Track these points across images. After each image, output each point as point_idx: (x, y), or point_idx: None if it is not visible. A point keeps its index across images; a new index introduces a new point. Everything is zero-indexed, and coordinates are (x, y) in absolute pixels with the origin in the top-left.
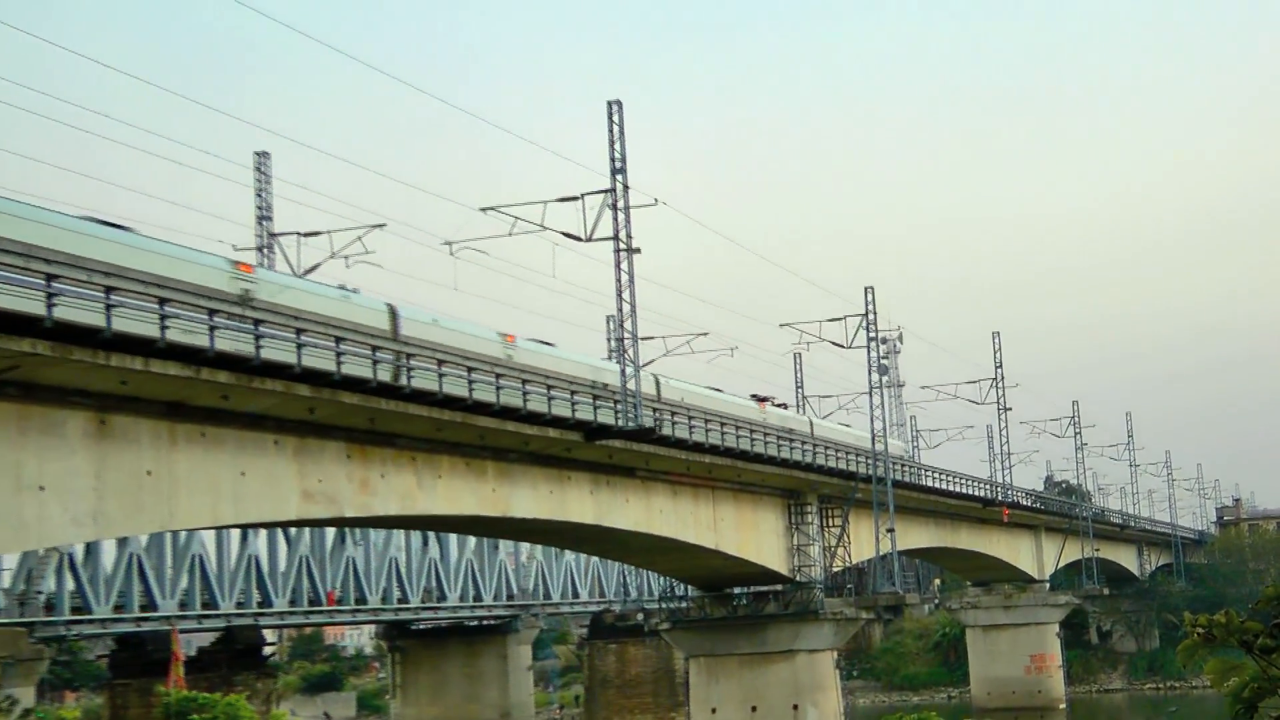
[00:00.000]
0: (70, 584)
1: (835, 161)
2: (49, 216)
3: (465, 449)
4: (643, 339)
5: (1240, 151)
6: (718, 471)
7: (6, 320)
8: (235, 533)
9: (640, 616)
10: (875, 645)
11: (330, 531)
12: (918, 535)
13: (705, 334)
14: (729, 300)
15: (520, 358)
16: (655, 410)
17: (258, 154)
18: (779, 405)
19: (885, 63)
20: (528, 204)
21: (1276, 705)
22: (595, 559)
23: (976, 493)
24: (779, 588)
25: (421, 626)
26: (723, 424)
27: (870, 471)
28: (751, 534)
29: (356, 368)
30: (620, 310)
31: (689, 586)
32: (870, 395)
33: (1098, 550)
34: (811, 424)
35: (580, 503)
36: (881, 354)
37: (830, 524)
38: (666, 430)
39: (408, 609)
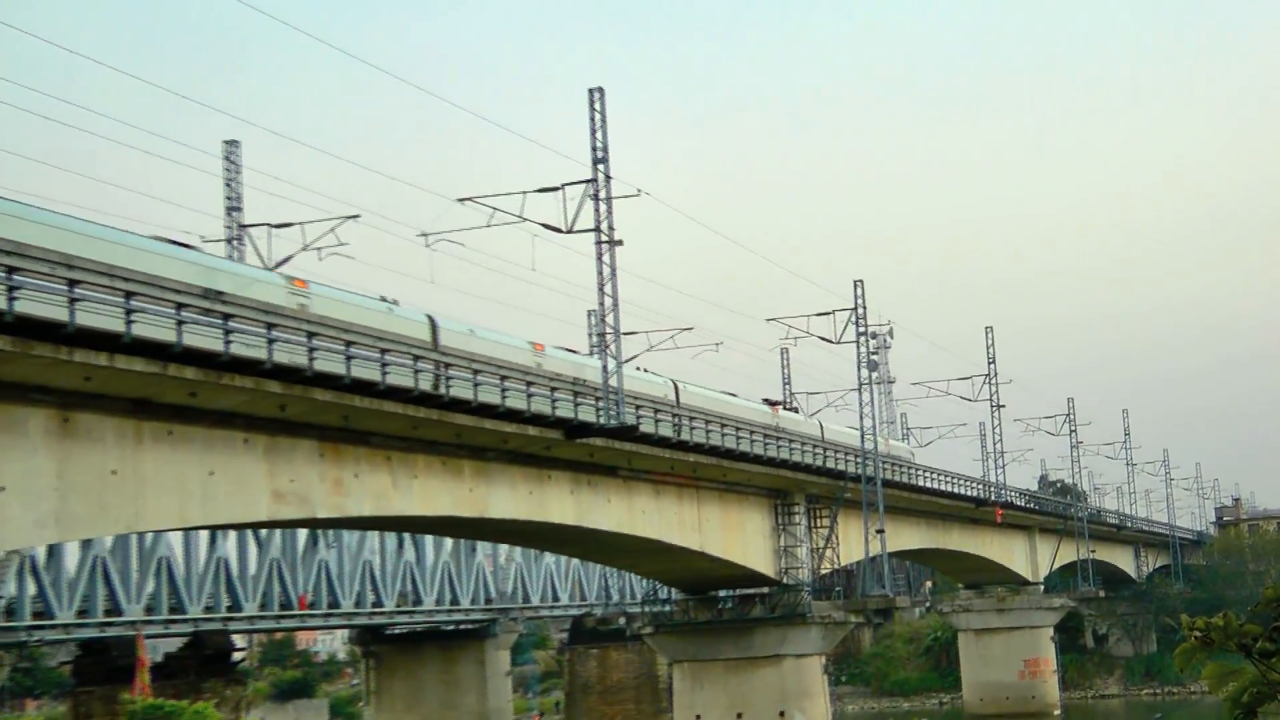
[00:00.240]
0: (32, 588)
1: (824, 153)
2: (124, 238)
3: (442, 447)
4: (625, 334)
5: (1238, 151)
6: (702, 470)
7: None
8: (203, 534)
9: (622, 620)
10: (865, 650)
11: (302, 533)
12: (908, 536)
13: (690, 329)
14: (714, 294)
15: (549, 366)
16: (638, 408)
17: (227, 143)
18: (790, 409)
19: (878, 55)
20: (506, 194)
21: (1276, 710)
22: (576, 561)
23: (969, 492)
24: (765, 590)
25: (396, 631)
26: (707, 422)
27: (859, 470)
28: (737, 535)
29: (330, 364)
30: (602, 304)
31: (672, 589)
32: (860, 392)
33: (1093, 552)
34: (822, 428)
35: (560, 503)
36: (871, 349)
37: (818, 525)
38: (648, 428)
39: (382, 613)
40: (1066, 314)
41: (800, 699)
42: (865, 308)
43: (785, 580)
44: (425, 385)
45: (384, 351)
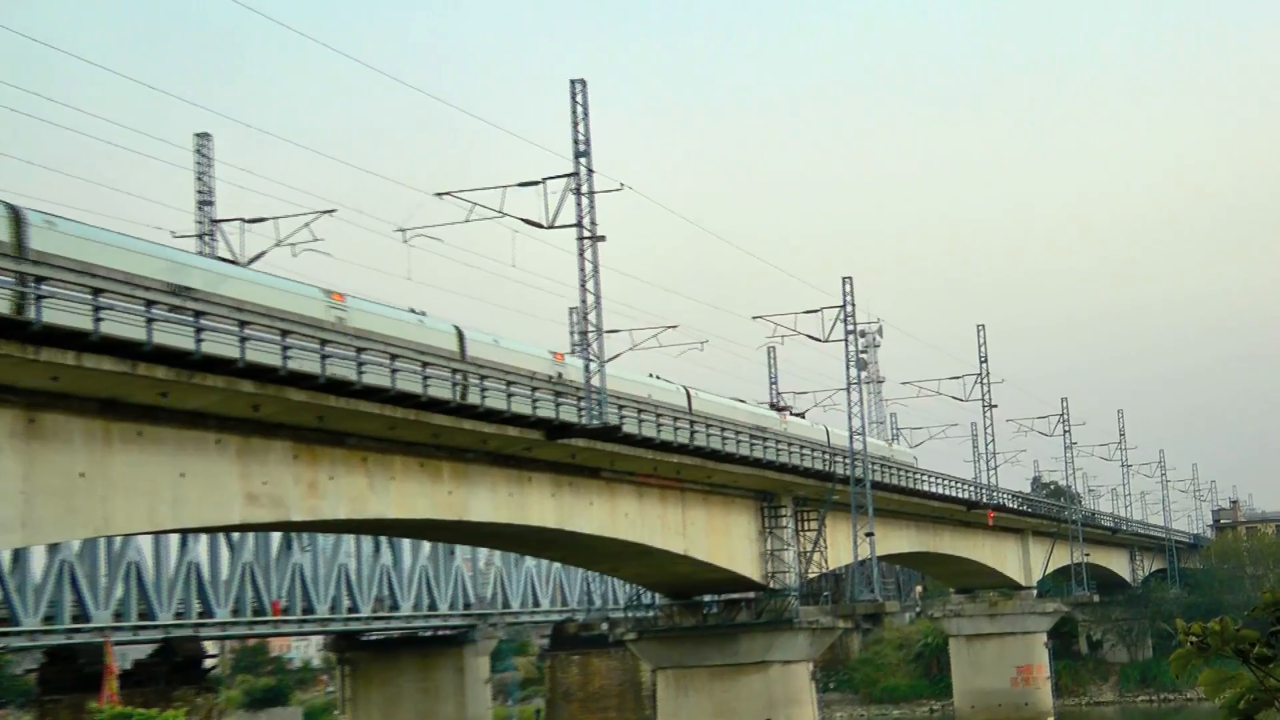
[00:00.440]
0: None
1: (813, 148)
2: (183, 257)
3: (420, 449)
4: (608, 332)
5: (1236, 150)
6: (686, 472)
7: None
8: (174, 538)
9: (604, 626)
10: (853, 656)
11: (276, 537)
12: (898, 539)
13: (674, 327)
14: (699, 291)
15: (569, 375)
16: (620, 408)
17: (198, 135)
18: (797, 415)
19: (867, 51)
20: (486, 189)
21: (1273, 717)
22: (557, 565)
23: (960, 494)
24: (751, 595)
25: (373, 637)
26: (692, 422)
27: (848, 472)
28: (722, 538)
29: (303, 363)
30: (584, 301)
31: (656, 594)
32: (848, 391)
33: (1088, 555)
34: (828, 433)
35: (541, 505)
36: (860, 348)
37: (806, 528)
38: (631, 428)
39: (358, 619)
40: (1060, 312)
41: (787, 706)
42: (854, 305)
43: (772, 585)
44: (403, 385)
45: (359, 350)
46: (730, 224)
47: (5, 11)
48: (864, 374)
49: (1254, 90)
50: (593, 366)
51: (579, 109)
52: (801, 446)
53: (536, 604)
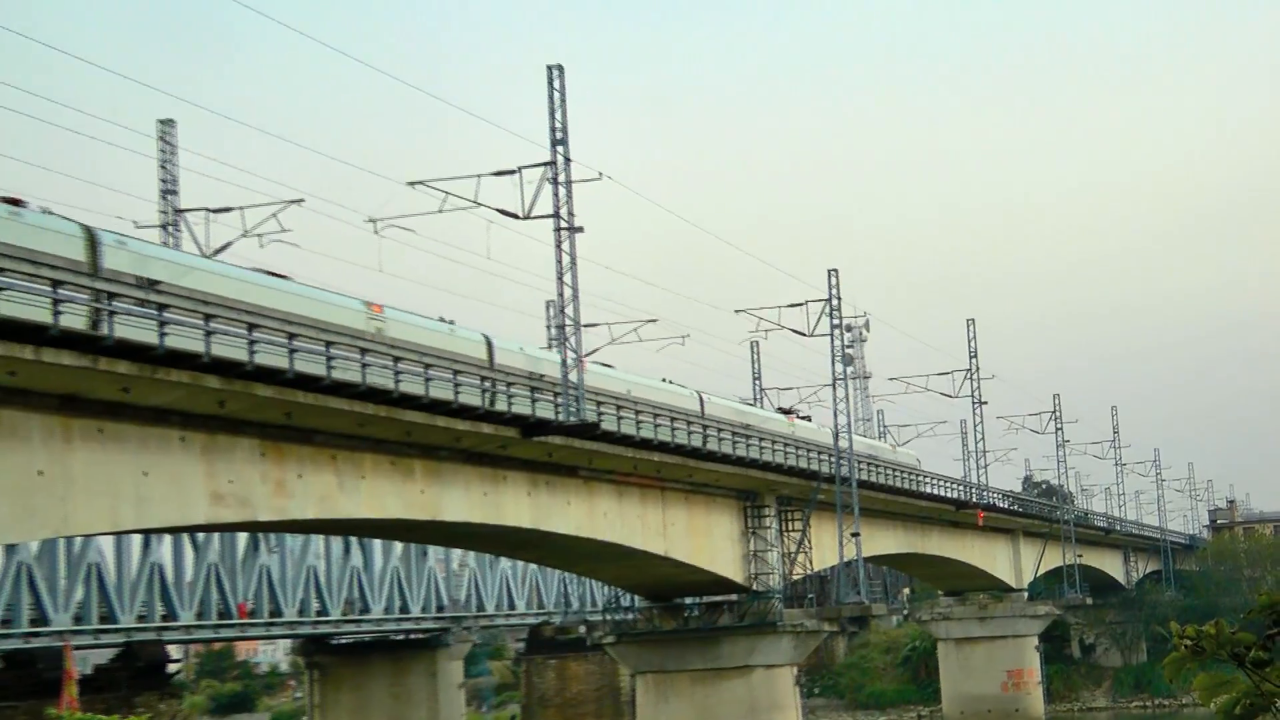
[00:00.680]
0: None
1: (798, 138)
2: (231, 270)
3: (391, 446)
4: (586, 326)
5: (1232, 145)
6: (667, 471)
7: None
8: (136, 539)
9: (582, 629)
10: (839, 660)
11: (242, 537)
12: (885, 540)
13: (654, 320)
14: (680, 284)
15: (591, 381)
16: (599, 404)
17: (161, 122)
18: (804, 419)
19: (857, 37)
20: (459, 178)
21: None
22: (533, 567)
23: (949, 494)
24: (734, 598)
25: (342, 641)
26: (672, 419)
27: (833, 470)
28: (704, 539)
29: (272, 358)
30: (561, 294)
31: (635, 596)
32: (834, 387)
33: (1080, 557)
34: (851, 444)
35: (517, 505)
36: (846, 343)
37: (790, 528)
38: (610, 425)
39: (327, 622)
40: (1053, 306)
41: (770, 712)
42: (840, 299)
43: (755, 587)
44: (374, 380)
45: (329, 344)
46: (712, 215)
47: None
48: (850, 369)
49: (1253, 85)
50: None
51: (556, 96)
52: (785, 444)
53: (512, 607)
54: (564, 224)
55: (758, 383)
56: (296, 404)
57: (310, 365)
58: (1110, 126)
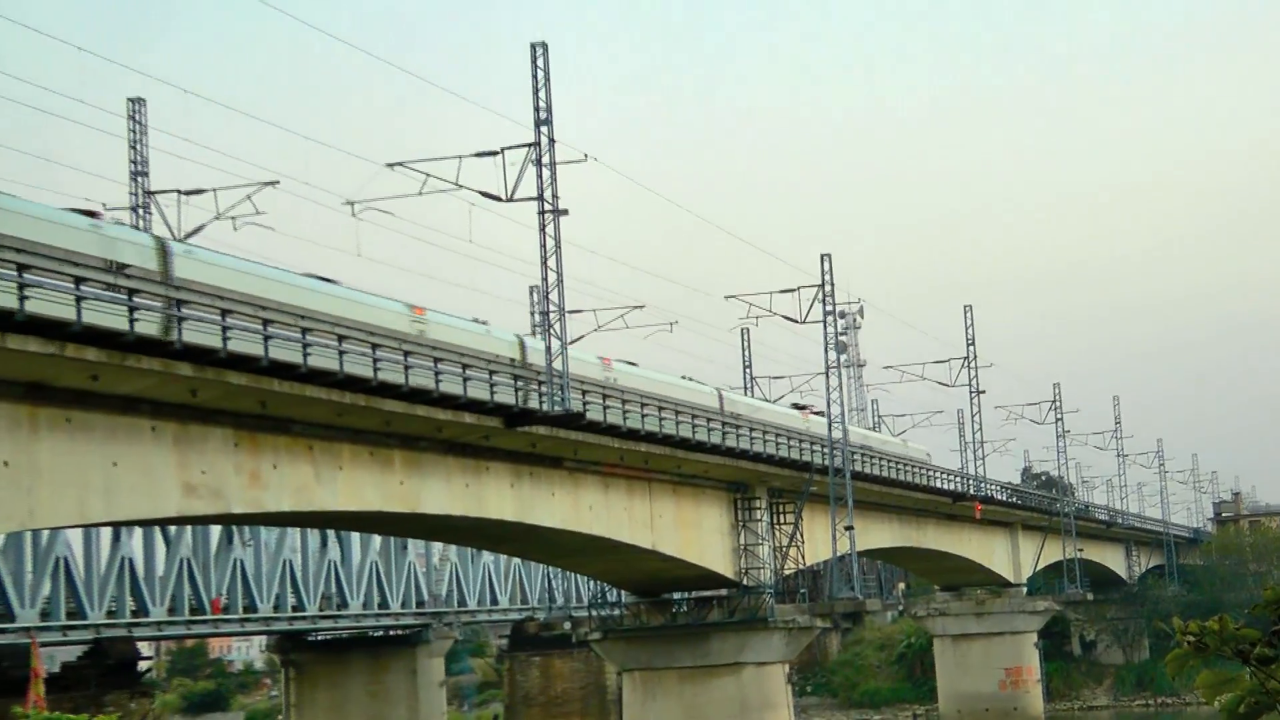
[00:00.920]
0: None
1: (790, 119)
2: (283, 275)
3: (369, 436)
4: (571, 312)
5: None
6: (654, 462)
7: None
8: (106, 532)
9: (567, 625)
10: (832, 657)
11: (215, 530)
12: (880, 534)
13: (641, 307)
14: (668, 269)
15: (618, 380)
16: (585, 393)
17: (131, 100)
18: (818, 414)
19: (852, 17)
20: (440, 159)
21: None
22: (517, 561)
23: (946, 486)
24: (724, 593)
25: (319, 638)
26: (660, 408)
27: (826, 461)
28: (693, 532)
29: (246, 345)
30: (545, 279)
31: (622, 592)
32: (827, 376)
33: (1081, 550)
34: (846, 432)
35: (500, 497)
36: (840, 330)
37: (782, 521)
38: (596, 415)
39: (303, 618)
40: (1053, 293)
41: (761, 711)
42: (833, 284)
43: (745, 582)
44: (352, 368)
45: (305, 331)
46: (701, 198)
47: None
48: (844, 357)
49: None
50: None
51: (540, 74)
52: (777, 434)
53: (494, 602)
54: (548, 207)
55: (748, 371)
56: (271, 393)
57: (286, 353)
58: (1113, 107)
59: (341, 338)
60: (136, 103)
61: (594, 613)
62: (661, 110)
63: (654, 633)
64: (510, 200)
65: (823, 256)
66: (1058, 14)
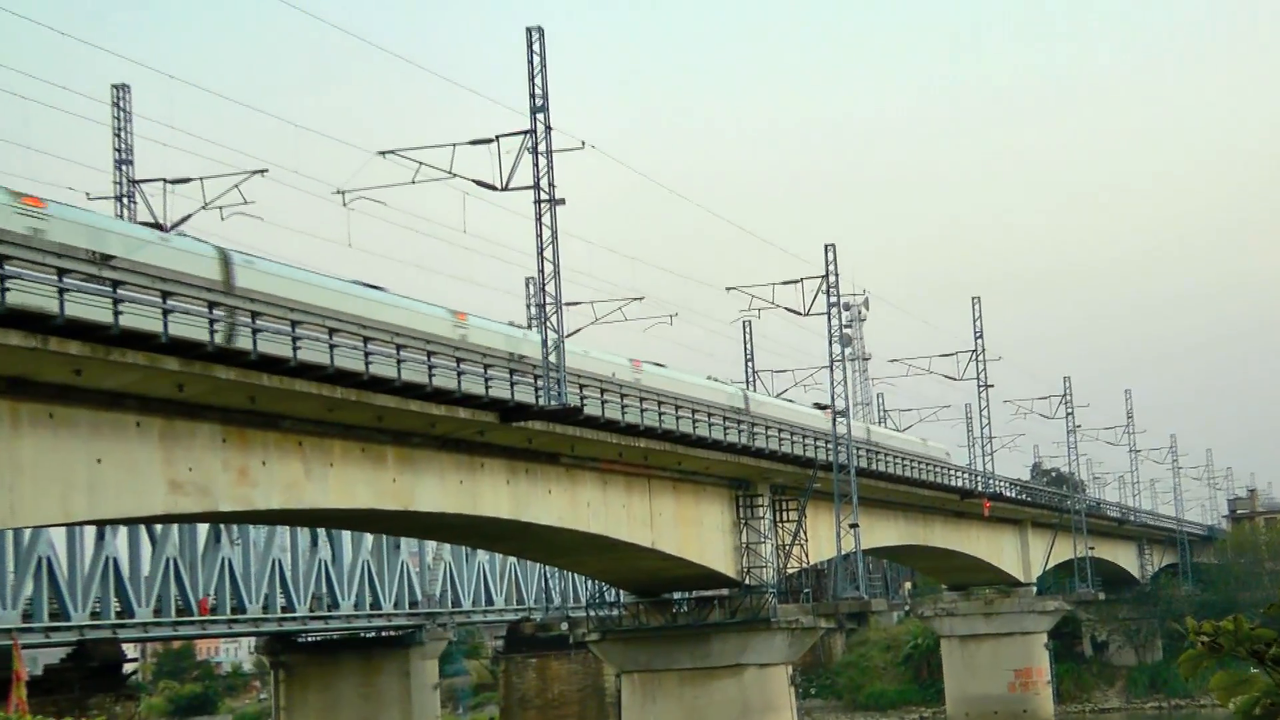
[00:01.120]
0: None
1: (793, 105)
2: (328, 282)
3: (361, 432)
4: (568, 304)
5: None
6: (654, 458)
7: None
8: (90, 531)
9: (564, 626)
10: (836, 659)
11: (202, 529)
12: (885, 532)
13: (640, 298)
14: (668, 260)
15: (645, 381)
16: (582, 387)
17: (116, 87)
18: (839, 413)
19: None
20: (433, 147)
21: None
22: (512, 560)
23: (953, 482)
24: (725, 593)
25: (309, 639)
26: (660, 403)
27: (830, 458)
28: (693, 530)
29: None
30: (541, 271)
31: (621, 591)
32: (831, 370)
33: (1092, 549)
34: (869, 432)
35: (495, 494)
36: (844, 322)
37: (785, 519)
38: (594, 410)
39: (293, 619)
40: (1063, 284)
41: (764, 713)
42: (837, 275)
43: (747, 581)
44: (343, 363)
45: (294, 324)
46: (701, 187)
47: None
48: (848, 350)
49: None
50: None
51: (536, 60)
52: (780, 430)
53: (490, 602)
54: (544, 196)
55: (750, 364)
56: (260, 387)
57: (275, 347)
58: (1121, 88)
59: (332, 330)
60: (121, 89)
61: (592, 613)
62: (661, 97)
63: (653, 634)
64: (505, 189)
65: (827, 247)
66: (1065, 10)
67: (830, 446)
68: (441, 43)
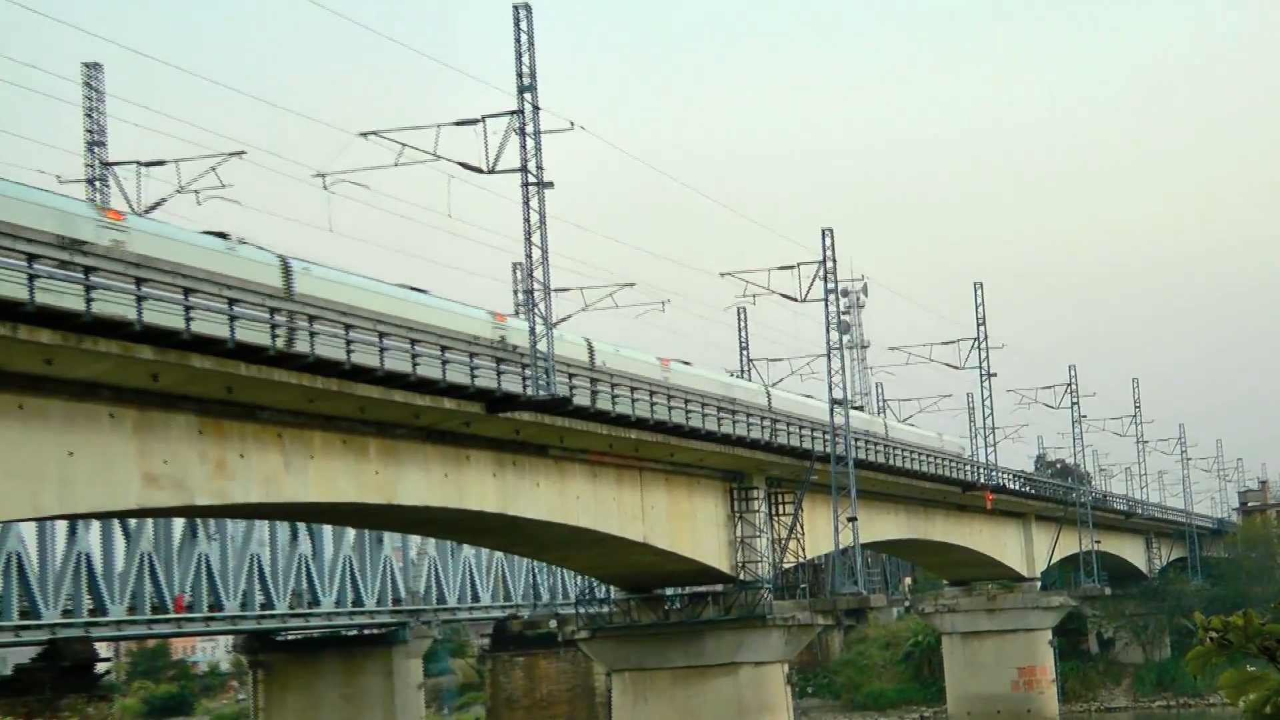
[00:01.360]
0: None
1: (788, 85)
2: (377, 286)
3: (343, 423)
4: (556, 291)
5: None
6: (645, 450)
7: None
8: (61, 526)
9: (553, 624)
10: (834, 657)
11: (178, 523)
12: (885, 525)
13: (632, 285)
14: (660, 245)
15: (674, 379)
16: (571, 376)
17: (87, 66)
18: (856, 408)
19: None
20: (418, 128)
21: None
22: (499, 555)
23: (955, 474)
24: (719, 589)
25: (289, 637)
26: (652, 393)
27: (828, 448)
28: (686, 524)
29: (210, 326)
30: (529, 256)
31: (611, 587)
32: (829, 358)
33: (1098, 543)
34: (886, 428)
35: (481, 487)
36: (842, 309)
37: (781, 512)
38: (584, 400)
39: (272, 616)
40: (1067, 269)
41: (759, 713)
42: (835, 261)
43: (742, 576)
44: (324, 351)
45: (273, 311)
46: (695, 169)
47: None
48: (846, 338)
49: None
50: (539, 329)
51: (523, 38)
52: (775, 420)
53: (476, 599)
54: (532, 179)
55: (745, 352)
56: (238, 377)
57: (253, 334)
58: (1129, 80)
59: (313, 318)
60: (93, 68)
61: (581, 610)
62: (652, 78)
63: (645, 631)
64: (492, 172)
65: (824, 231)
66: None
67: (828, 437)
68: (426, 20)
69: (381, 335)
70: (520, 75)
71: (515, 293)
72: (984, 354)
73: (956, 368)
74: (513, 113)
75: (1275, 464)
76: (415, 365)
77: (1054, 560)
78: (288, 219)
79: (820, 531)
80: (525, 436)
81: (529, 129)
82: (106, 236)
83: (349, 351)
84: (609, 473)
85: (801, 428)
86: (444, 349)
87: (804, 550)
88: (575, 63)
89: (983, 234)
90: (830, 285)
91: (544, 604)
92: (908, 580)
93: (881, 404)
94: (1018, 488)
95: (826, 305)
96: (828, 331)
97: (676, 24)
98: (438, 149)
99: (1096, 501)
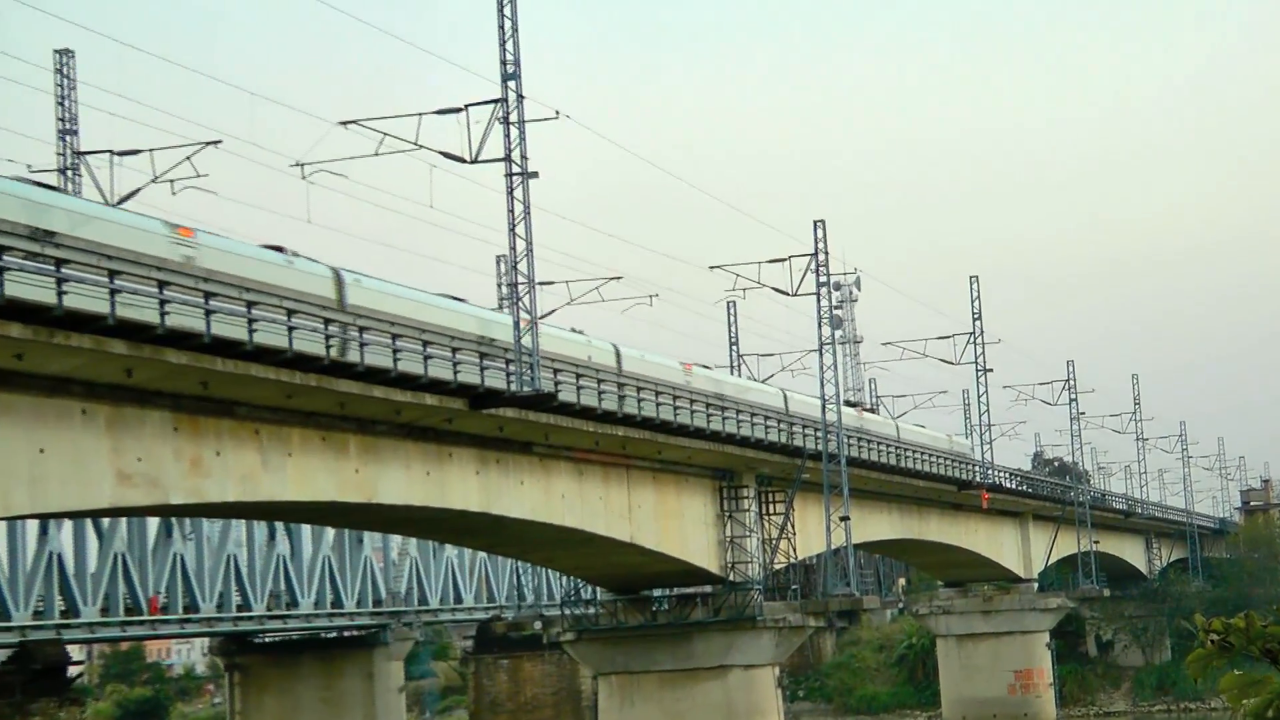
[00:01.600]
0: None
1: (780, 74)
2: (421, 296)
3: (322, 419)
4: (541, 284)
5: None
6: (633, 447)
7: None
8: (32, 525)
9: (537, 625)
10: (826, 660)
11: (153, 523)
12: (878, 525)
13: (619, 278)
14: (648, 237)
15: (695, 383)
16: (557, 372)
17: (59, 52)
18: (870, 410)
19: None
20: (399, 117)
21: None
22: (483, 555)
23: (950, 473)
24: (708, 590)
25: (267, 640)
26: (639, 389)
27: (819, 446)
28: (675, 524)
29: (187, 319)
30: (513, 248)
31: (597, 589)
32: (820, 353)
33: (1097, 543)
34: (898, 429)
35: (464, 485)
36: (835, 303)
37: (771, 511)
38: (569, 396)
39: (250, 618)
40: (1065, 263)
41: (749, 717)
42: (827, 254)
43: (732, 577)
44: (302, 346)
45: (250, 305)
46: (684, 159)
47: None
48: (839, 333)
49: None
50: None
51: (507, 24)
52: (765, 418)
53: (458, 600)
54: (516, 169)
55: (735, 347)
56: (214, 372)
57: (230, 329)
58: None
59: (291, 312)
60: (64, 55)
61: (567, 611)
62: (639, 66)
63: (632, 633)
64: (475, 161)
65: (816, 223)
66: None
67: (819, 434)
68: (407, 5)
69: (362, 330)
70: (504, 63)
71: (499, 285)
72: (980, 349)
73: (952, 363)
74: (496, 101)
75: (1278, 463)
76: (396, 360)
77: (1051, 561)
78: (265, 209)
79: (812, 531)
80: (509, 433)
81: (513, 118)
82: (179, 253)
83: (328, 345)
84: (595, 471)
85: (792, 425)
86: (425, 344)
87: (795, 550)
88: (561, 50)
89: (981, 232)
90: (822, 279)
91: (528, 605)
92: (902, 581)
93: (875, 400)
94: (1014, 487)
95: (818, 299)
96: (819, 326)
97: (665, 12)
98: (419, 138)
99: (1095, 501)
